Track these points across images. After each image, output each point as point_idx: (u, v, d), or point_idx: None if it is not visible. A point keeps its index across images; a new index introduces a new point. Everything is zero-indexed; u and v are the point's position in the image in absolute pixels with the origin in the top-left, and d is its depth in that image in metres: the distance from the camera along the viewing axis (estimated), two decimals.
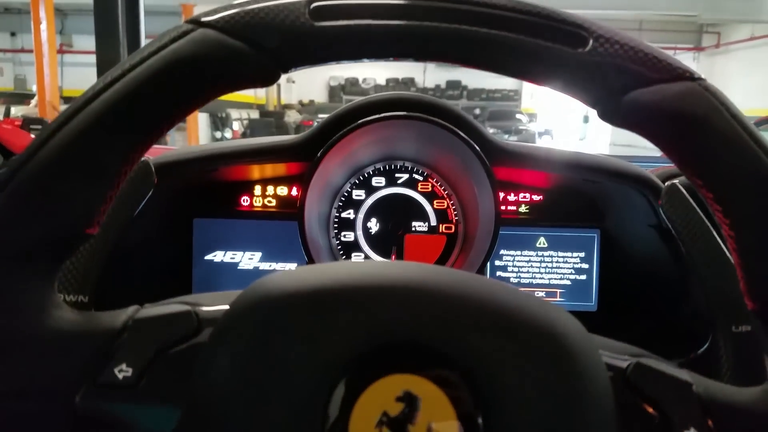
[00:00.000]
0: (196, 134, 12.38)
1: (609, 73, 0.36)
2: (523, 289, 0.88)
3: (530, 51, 0.36)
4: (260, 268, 0.89)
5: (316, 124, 0.83)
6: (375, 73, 19.58)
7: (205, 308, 0.42)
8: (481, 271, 0.82)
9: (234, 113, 13.88)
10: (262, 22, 0.35)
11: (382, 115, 0.78)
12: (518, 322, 0.32)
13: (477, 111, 17.52)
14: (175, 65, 0.36)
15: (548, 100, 18.96)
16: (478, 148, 0.78)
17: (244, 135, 13.59)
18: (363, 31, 0.36)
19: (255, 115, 14.93)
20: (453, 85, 19.50)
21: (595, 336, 0.42)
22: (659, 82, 0.35)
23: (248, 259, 0.89)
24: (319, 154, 0.78)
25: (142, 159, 0.68)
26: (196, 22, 0.37)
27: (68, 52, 16.58)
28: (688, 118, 0.35)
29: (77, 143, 0.35)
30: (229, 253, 0.89)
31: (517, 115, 15.33)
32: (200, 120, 12.57)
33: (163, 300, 0.44)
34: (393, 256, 0.90)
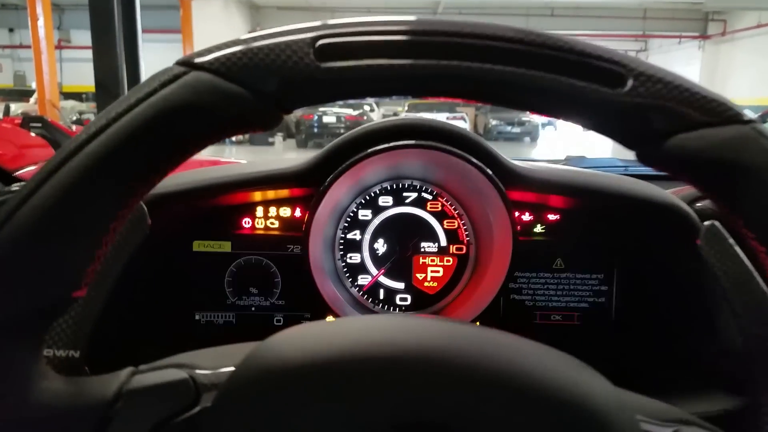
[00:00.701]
0: None
1: (650, 115, 0.32)
2: (540, 312, 0.84)
3: (561, 91, 0.32)
4: (260, 303, 0.86)
5: (320, 151, 0.80)
6: None
7: (202, 372, 0.39)
8: (498, 297, 0.78)
9: None
10: (262, 64, 0.31)
11: (392, 144, 0.75)
12: (545, 401, 0.30)
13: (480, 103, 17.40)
14: (166, 113, 0.32)
15: None
16: (493, 174, 0.74)
17: None
18: (374, 71, 0.32)
19: None
20: None
21: (627, 396, 0.38)
22: (707, 126, 0.31)
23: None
24: (326, 183, 0.75)
25: None
26: (188, 64, 0.33)
27: (67, 47, 16.51)
28: (740, 168, 0.31)
29: (59, 203, 0.32)
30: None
31: None
32: None
33: (160, 358, 0.41)
34: (382, 271, 0.86)
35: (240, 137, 13.38)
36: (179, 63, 0.33)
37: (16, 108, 9.71)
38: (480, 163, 0.74)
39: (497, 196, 0.75)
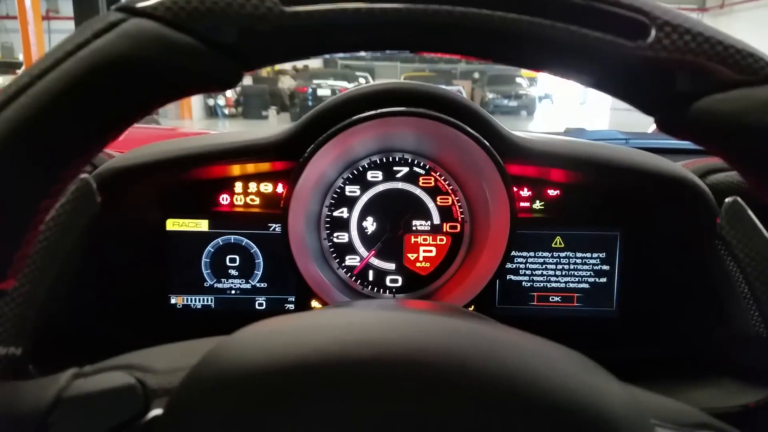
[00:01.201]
0: (188, 103, 12.15)
1: (675, 72, 0.26)
2: (538, 294, 0.79)
3: (571, 43, 0.26)
4: (240, 286, 0.80)
5: (302, 118, 0.73)
6: None
7: (153, 376, 0.34)
8: (494, 278, 0.73)
9: None
10: (217, 8, 0.26)
11: (380, 111, 0.68)
12: (553, 409, 0.26)
13: (476, 75, 17.25)
14: (100, 69, 0.26)
15: None
16: (490, 146, 0.68)
17: (237, 102, 13.36)
18: (351, 17, 0.26)
19: (248, 81, 14.63)
20: None
21: (641, 396, 0.33)
22: (743, 86, 0.26)
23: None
24: (307, 153, 0.68)
25: (82, 176, 0.59)
26: (127, 10, 0.27)
27: (55, 18, 16.15)
28: None
29: None
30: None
31: (517, 80, 15.05)
32: None
33: (130, 349, 0.36)
34: (373, 253, 0.80)
35: (233, 110, 13.25)
36: (117, 8, 0.27)
37: (3, 81, 9.52)
38: (477, 134, 0.68)
39: (495, 170, 0.69)
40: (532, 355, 0.29)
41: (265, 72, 16.91)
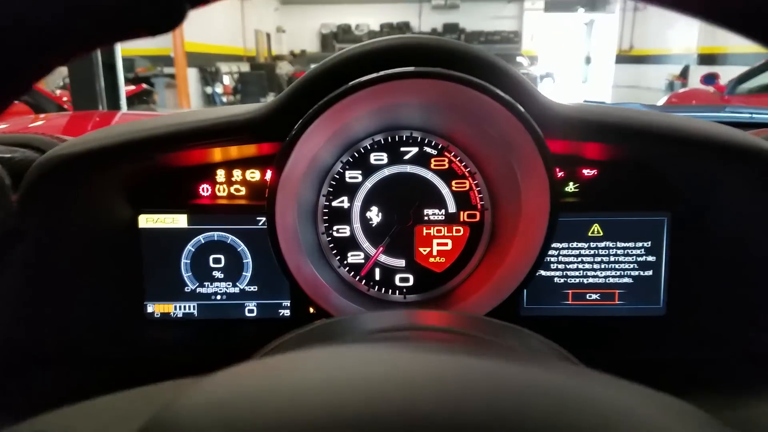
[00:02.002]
0: (186, 91, 11.99)
1: None
2: (573, 291, 0.68)
3: None
4: (226, 290, 0.69)
5: (290, 87, 0.61)
6: (368, 19, 18.87)
7: None
8: (525, 282, 0.61)
9: (224, 67, 13.43)
10: None
11: (382, 74, 0.56)
12: None
13: None
14: None
15: (549, 42, 18.37)
16: (529, 117, 0.55)
17: (235, 90, 13.19)
18: None
19: (245, 68, 14.43)
20: (450, 28, 18.78)
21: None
22: None
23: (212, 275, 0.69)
24: (293, 132, 0.56)
25: None
26: None
27: None
28: None
29: None
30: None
31: (518, 59, 14.79)
32: (189, 75, 12.15)
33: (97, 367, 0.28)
34: (381, 249, 0.69)
35: (231, 98, 13.08)
36: None
37: None
38: (509, 98, 0.56)
39: (531, 144, 0.57)
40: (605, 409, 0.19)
41: (262, 58, 16.71)
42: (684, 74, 10.72)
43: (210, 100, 13.31)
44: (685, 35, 12.06)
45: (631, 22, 16.00)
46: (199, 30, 12.71)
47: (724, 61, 10.32)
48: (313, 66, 0.62)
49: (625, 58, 16.01)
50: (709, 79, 4.76)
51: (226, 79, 13.20)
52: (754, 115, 1.25)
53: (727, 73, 5.08)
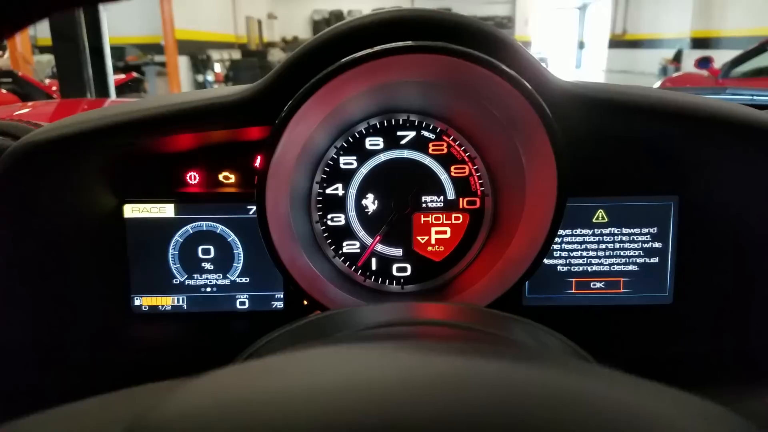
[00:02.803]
0: (177, 79, 11.85)
1: None
2: (576, 280, 0.66)
3: None
4: (216, 282, 0.67)
5: (279, 65, 0.58)
6: (360, 5, 18.70)
7: None
8: (530, 272, 0.58)
9: (215, 54, 13.29)
10: None
11: (376, 49, 0.52)
12: None
13: None
14: None
15: (543, 27, 18.27)
16: (537, 95, 0.52)
17: (226, 77, 13.07)
18: None
19: (237, 55, 14.28)
20: None
21: None
22: None
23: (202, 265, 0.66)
24: (283, 113, 0.53)
25: None
26: None
27: None
28: None
29: None
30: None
31: None
32: (180, 63, 12.01)
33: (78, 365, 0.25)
34: (378, 239, 0.66)
35: (223, 85, 12.95)
36: None
37: None
38: (515, 74, 0.52)
39: (539, 124, 0.54)
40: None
41: (254, 45, 16.53)
42: (677, 58, 10.68)
43: (201, 87, 13.19)
44: (679, 19, 11.99)
45: (624, 6, 15.91)
46: (190, 17, 12.55)
47: (718, 44, 10.28)
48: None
49: (618, 42, 15.95)
50: (704, 62, 4.74)
51: (218, 67, 13.06)
52: (755, 97, 1.22)
53: (720, 57, 5.05)
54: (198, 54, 12.90)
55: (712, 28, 10.79)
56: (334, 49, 0.54)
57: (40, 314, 0.60)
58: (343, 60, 0.52)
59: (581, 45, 18.54)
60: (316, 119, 0.56)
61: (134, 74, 7.55)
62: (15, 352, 0.59)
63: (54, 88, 4.34)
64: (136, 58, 10.87)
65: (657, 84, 4.71)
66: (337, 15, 18.64)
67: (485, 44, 0.53)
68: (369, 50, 0.52)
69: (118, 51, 10.13)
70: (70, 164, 0.57)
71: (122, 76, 6.87)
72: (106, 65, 2.01)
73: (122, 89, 6.45)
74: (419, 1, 18.91)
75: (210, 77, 12.92)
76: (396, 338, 0.30)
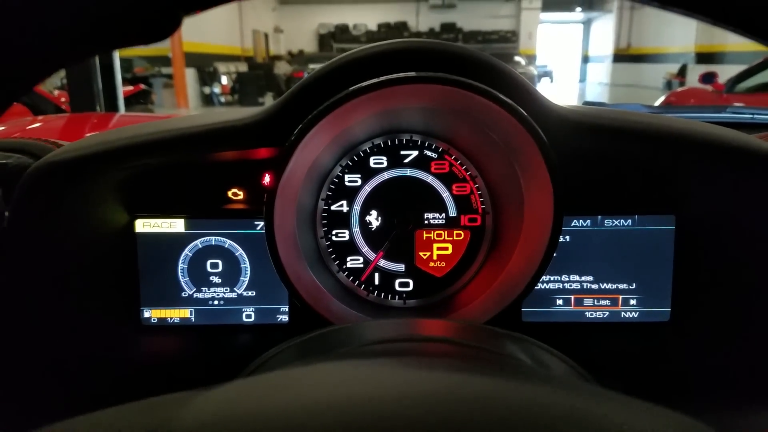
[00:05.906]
0: (184, 91, 11.97)
1: None
2: (575, 296, 0.67)
3: None
4: (224, 296, 0.68)
5: (290, 91, 0.60)
6: (365, 18, 18.86)
7: None
8: (528, 288, 0.60)
9: (221, 67, 13.41)
10: None
11: (383, 79, 0.55)
12: None
13: None
14: None
15: (546, 41, 18.36)
16: (532, 121, 0.55)
17: (233, 90, 13.18)
18: None
19: (243, 68, 14.41)
20: (448, 27, 18.79)
21: None
22: None
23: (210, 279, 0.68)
24: (293, 137, 0.55)
25: None
26: None
27: None
28: None
29: None
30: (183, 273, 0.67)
31: (516, 58, 14.79)
32: (187, 75, 12.13)
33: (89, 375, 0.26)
34: (381, 254, 0.68)
35: (229, 97, 13.06)
36: None
37: None
38: (512, 102, 0.55)
39: (535, 148, 0.56)
40: None
41: (260, 58, 16.68)
42: (682, 73, 10.72)
43: (208, 100, 13.30)
44: (683, 33, 12.05)
45: (629, 21, 16.00)
46: (197, 30, 12.69)
47: (722, 59, 10.32)
48: (311, 66, 0.61)
49: (622, 56, 16.02)
50: (708, 77, 4.76)
51: (224, 79, 13.18)
52: (755, 116, 1.24)
53: (725, 72, 5.07)
54: (205, 66, 13.03)
55: (716, 42, 10.83)
56: (342, 77, 0.56)
57: (53, 325, 0.62)
58: (350, 88, 0.55)
59: (585, 59, 18.63)
60: (323, 141, 0.58)
61: (142, 86, 7.63)
62: (27, 363, 0.61)
63: (63, 99, 4.40)
64: (144, 69, 10.99)
65: (661, 98, 4.73)
66: (342, 28, 18.81)
67: (484, 73, 0.56)
68: (374, 80, 0.54)
69: (125, 63, 10.25)
70: (87, 183, 0.59)
71: (130, 87, 6.94)
72: (116, 80, 2.05)
73: (129, 101, 6.53)
74: (424, 16, 19.04)
75: (217, 89, 13.04)
76: (398, 356, 0.31)
